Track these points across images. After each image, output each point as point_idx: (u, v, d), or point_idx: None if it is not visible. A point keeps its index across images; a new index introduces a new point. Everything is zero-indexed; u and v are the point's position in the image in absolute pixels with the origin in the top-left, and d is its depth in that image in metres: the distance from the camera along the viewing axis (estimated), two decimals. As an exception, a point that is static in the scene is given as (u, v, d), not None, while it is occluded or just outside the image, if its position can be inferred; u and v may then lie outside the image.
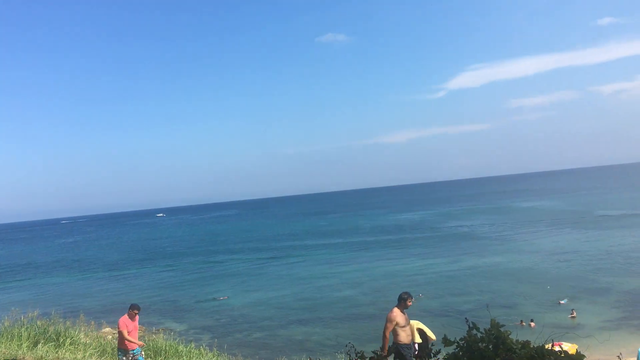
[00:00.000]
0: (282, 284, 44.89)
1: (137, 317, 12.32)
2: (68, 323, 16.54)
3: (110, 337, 28.91)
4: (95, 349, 14.94)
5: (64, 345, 14.11)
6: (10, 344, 13.71)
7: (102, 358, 14.37)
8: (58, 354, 12.76)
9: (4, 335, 14.36)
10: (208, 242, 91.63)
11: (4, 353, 13.25)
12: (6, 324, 15.11)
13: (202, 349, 17.33)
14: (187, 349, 16.52)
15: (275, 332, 30.21)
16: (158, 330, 31.60)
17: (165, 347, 16.22)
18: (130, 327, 12.08)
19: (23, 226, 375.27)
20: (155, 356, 15.24)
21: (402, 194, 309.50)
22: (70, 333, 15.15)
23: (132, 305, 12.35)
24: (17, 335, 14.33)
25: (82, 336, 15.71)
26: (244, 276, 50.70)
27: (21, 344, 13.65)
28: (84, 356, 13.40)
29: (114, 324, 32.65)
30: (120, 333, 12.08)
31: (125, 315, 12.18)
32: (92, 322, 21.34)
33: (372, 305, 34.10)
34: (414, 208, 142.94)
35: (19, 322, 15.15)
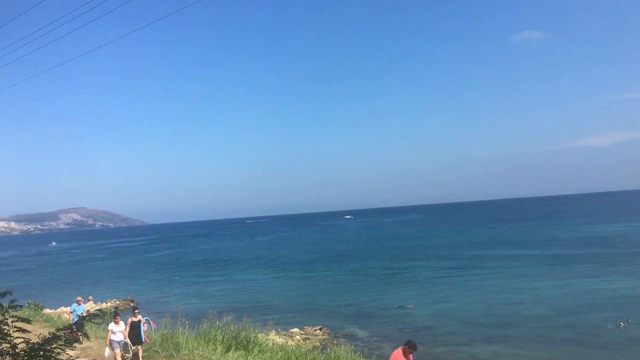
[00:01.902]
0: (468, 296, 42.97)
1: (411, 356, 10.98)
2: (257, 329, 17.47)
3: (297, 337, 30.29)
4: (281, 358, 15.47)
5: (253, 352, 14.87)
6: (206, 347, 14.90)
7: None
8: (246, 362, 13.48)
9: (203, 337, 15.68)
10: (392, 247, 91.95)
11: (201, 355, 14.40)
12: (204, 326, 16.52)
13: (381, 365, 17.02)
14: (366, 363, 16.39)
15: (458, 348, 28.87)
16: (341, 335, 32.17)
17: (346, 359, 16.28)
18: None
19: (218, 224, 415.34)
20: (335, 368, 15.38)
21: (603, 202, 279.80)
22: (259, 340, 15.97)
23: (409, 342, 11.03)
24: (213, 338, 15.53)
25: (270, 343, 16.50)
26: (428, 285, 49.65)
27: (216, 348, 14.73)
28: (269, 366, 13.92)
29: (301, 324, 34.34)
30: None
31: (400, 351, 10.91)
32: (279, 330, 22.39)
33: (569, 328, 30.94)
34: (618, 218, 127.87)
35: (215, 325, 16.42)
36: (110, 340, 15.24)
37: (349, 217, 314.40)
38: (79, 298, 20.34)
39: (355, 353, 17.87)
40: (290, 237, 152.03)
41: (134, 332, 15.68)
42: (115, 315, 15.93)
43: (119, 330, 15.37)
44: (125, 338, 15.52)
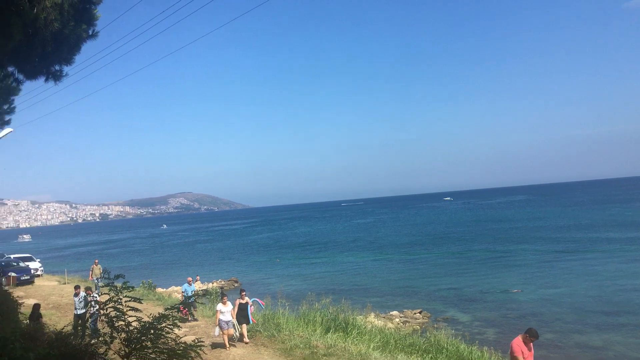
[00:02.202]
0: (578, 281, 40.55)
1: (531, 344, 10.78)
2: (356, 312, 17.48)
3: (397, 320, 30.10)
4: (379, 341, 15.39)
5: (351, 334, 14.89)
6: (306, 328, 15.12)
7: (384, 352, 14.66)
8: (345, 344, 13.48)
9: (302, 318, 15.94)
10: (495, 229, 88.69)
11: (301, 336, 14.63)
12: (303, 307, 16.77)
13: (484, 352, 16.44)
14: (469, 349, 15.89)
15: (568, 335, 27.34)
16: (442, 319, 31.58)
17: (447, 345, 15.90)
18: (526, 354, 10.62)
19: (314, 207, 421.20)
20: (436, 354, 15.05)
21: None
22: (357, 322, 15.98)
23: (530, 330, 10.77)
24: (312, 320, 15.73)
25: (369, 325, 16.45)
26: (534, 269, 47.42)
27: (315, 330, 14.91)
28: (368, 349, 13.86)
29: (400, 308, 34.10)
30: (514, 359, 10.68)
31: (519, 338, 10.78)
32: (376, 312, 22.28)
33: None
34: None
35: (314, 307, 16.62)
36: (219, 320, 15.71)
37: (448, 199, 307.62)
38: (189, 278, 21.36)
39: (456, 338, 17.44)
40: (388, 219, 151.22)
41: (242, 313, 16.19)
42: (222, 295, 16.48)
43: (227, 310, 15.84)
44: (232, 318, 15.99)
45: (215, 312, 16.85)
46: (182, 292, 20.42)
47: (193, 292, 19.86)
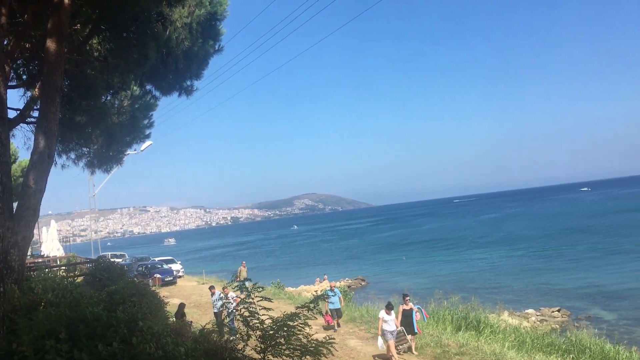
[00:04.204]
0: None
1: None
2: (487, 310, 16.83)
3: (532, 319, 28.60)
4: (515, 340, 14.70)
5: (484, 333, 14.36)
6: (436, 327, 14.82)
7: (520, 351, 13.98)
8: (478, 343, 13.03)
9: (432, 316, 15.63)
10: (639, 221, 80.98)
11: (431, 335, 14.37)
12: (432, 305, 16.47)
13: (634, 352, 15.10)
14: (616, 349, 14.69)
15: None
16: (583, 317, 29.52)
17: (590, 344, 14.83)
18: None
19: (421, 205, 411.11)
20: (578, 354, 14.09)
21: None
22: (490, 321, 15.37)
23: None
24: (442, 318, 15.39)
25: (503, 324, 15.76)
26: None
27: (445, 328, 14.58)
28: (502, 349, 13.30)
29: (536, 305, 32.34)
30: None
31: None
32: (510, 310, 21.28)
33: None
34: None
35: (443, 305, 16.25)
36: (383, 330, 13.99)
37: (585, 189, 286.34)
38: (332, 284, 20.04)
39: (600, 337, 16.21)
40: (518, 213, 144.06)
41: (407, 320, 14.64)
42: (387, 304, 14.54)
43: (390, 319, 14.06)
44: (397, 327, 14.28)
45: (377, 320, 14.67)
46: (326, 299, 16.86)
47: (339, 298, 18.28)
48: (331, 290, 18.32)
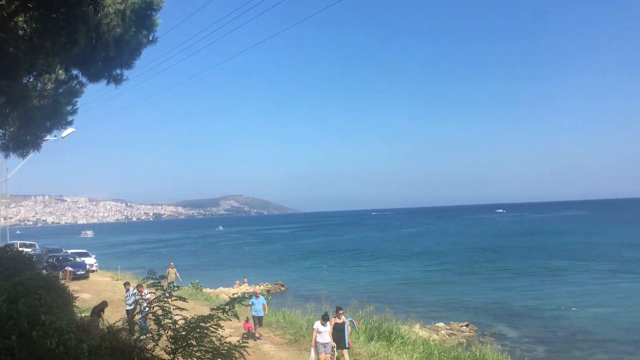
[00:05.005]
0: (636, 301, 38.92)
1: None
2: (400, 322, 17.34)
3: (442, 332, 29.62)
4: (423, 352, 15.22)
5: (395, 344, 14.77)
6: (350, 336, 15.07)
7: (427, 363, 14.48)
8: (388, 353, 13.39)
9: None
10: (550, 244, 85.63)
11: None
12: (347, 314, 16.75)
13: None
14: (514, 365, 15.51)
15: (621, 357, 26.31)
16: (489, 333, 30.88)
17: (493, 358, 15.58)
18: None
19: (341, 215, 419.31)
20: (480, 367, 14.77)
21: None
22: (401, 332, 15.84)
23: None
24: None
25: (413, 336, 16.29)
26: (588, 286, 45.76)
27: (359, 337, 14.88)
28: (411, 358, 13.72)
29: (446, 320, 33.53)
30: None
31: None
32: (421, 322, 22.05)
33: None
34: None
35: (358, 315, 16.59)
36: (316, 342, 13.78)
37: (501, 211, 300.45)
38: (257, 290, 19.66)
39: (502, 353, 17.05)
40: (436, 229, 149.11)
41: (338, 334, 14.39)
42: (324, 317, 14.43)
43: (325, 331, 13.81)
44: (331, 340, 14.08)
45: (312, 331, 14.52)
46: (249, 305, 17.53)
47: (263, 306, 17.98)
48: (256, 296, 17.91)
